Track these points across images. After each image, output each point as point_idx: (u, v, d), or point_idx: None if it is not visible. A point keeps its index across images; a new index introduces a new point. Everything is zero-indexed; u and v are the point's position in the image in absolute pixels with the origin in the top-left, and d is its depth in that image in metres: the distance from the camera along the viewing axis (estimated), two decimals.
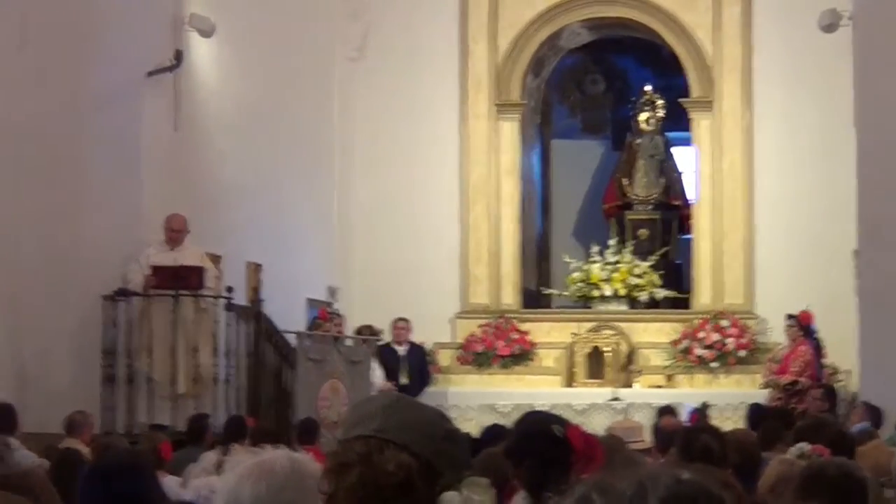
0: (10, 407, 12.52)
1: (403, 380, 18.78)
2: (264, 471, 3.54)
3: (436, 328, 20.86)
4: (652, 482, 1.89)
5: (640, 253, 21.71)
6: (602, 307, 21.22)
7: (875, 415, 14.60)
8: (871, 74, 16.44)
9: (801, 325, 17.90)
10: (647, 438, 11.99)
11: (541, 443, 5.11)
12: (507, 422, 12.06)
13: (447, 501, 2.82)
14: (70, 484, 6.52)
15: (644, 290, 21.30)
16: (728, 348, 20.34)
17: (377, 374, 17.93)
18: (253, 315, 16.40)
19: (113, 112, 16.10)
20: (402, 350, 19.19)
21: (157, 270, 15.54)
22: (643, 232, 22.29)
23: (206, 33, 17.08)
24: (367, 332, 18.23)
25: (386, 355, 18.57)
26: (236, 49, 18.20)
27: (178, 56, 16.70)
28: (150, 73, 16.47)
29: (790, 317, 18.12)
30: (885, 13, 16.19)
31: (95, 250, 15.60)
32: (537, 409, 13.46)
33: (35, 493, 6.47)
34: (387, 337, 19.08)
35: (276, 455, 3.83)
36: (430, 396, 19.31)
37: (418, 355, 19.52)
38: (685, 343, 20.53)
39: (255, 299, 16.92)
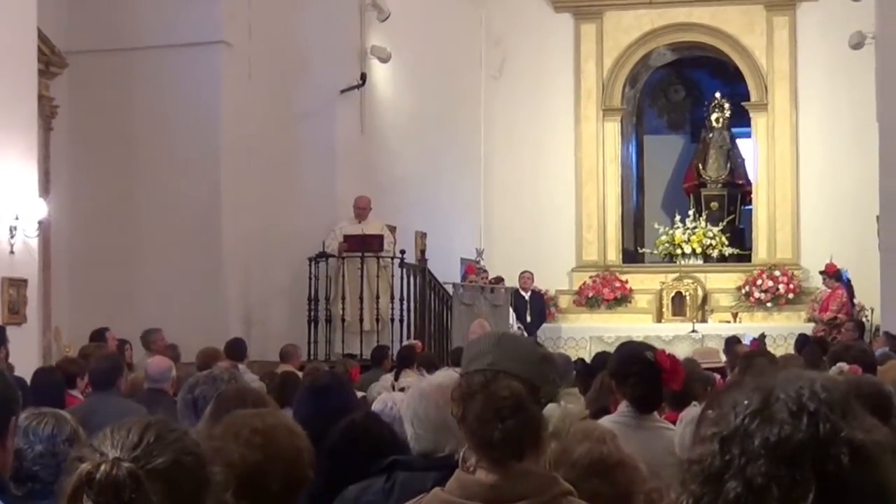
0: (242, 341, 12.69)
1: (528, 318, 18.75)
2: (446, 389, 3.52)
3: (557, 279, 20.86)
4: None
5: (712, 220, 21.44)
6: (683, 262, 20.97)
7: (893, 341, 14.25)
8: (888, 80, 16.10)
9: (830, 274, 17.96)
10: (723, 359, 11.86)
11: (637, 365, 5.05)
12: (611, 349, 11.94)
13: (550, 412, 2.78)
14: (288, 397, 6.58)
15: (715, 248, 21.06)
16: (780, 292, 20.11)
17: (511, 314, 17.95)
18: (420, 271, 16.43)
19: (314, 121, 16.23)
20: (526, 296, 19.12)
21: (348, 238, 15.63)
22: (714, 204, 22.01)
23: (384, 60, 17.12)
24: (495, 281, 18.22)
25: (515, 300, 18.53)
26: (406, 71, 18.22)
27: (363, 78, 16.78)
28: (342, 91, 16.56)
29: (821, 272, 18.25)
30: None
31: (302, 224, 15.75)
32: (632, 340, 13.36)
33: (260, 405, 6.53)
34: (509, 285, 18.94)
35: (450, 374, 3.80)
36: (548, 331, 19.32)
37: (538, 300, 19.39)
38: (747, 288, 20.30)
39: (422, 259, 16.95)
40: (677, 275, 20.62)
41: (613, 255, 21.42)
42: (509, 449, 2.72)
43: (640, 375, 5.03)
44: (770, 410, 1.67)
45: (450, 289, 16.80)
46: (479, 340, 2.94)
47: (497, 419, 2.72)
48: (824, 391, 1.70)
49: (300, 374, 10.84)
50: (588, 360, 12.14)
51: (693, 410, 5.15)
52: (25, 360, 10.49)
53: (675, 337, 18.64)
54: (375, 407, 5.58)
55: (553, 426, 2.77)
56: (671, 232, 21.23)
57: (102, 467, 1.98)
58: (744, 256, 21.29)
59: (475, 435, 2.75)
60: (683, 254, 21.02)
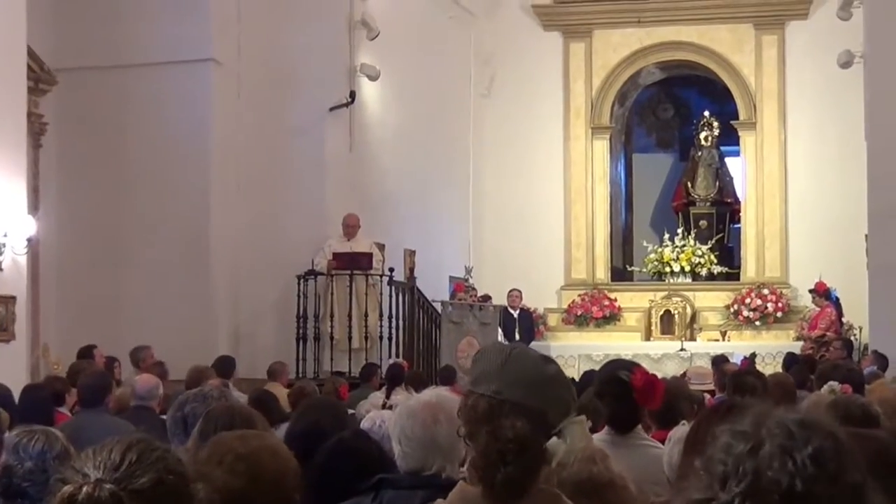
0: (230, 358, 12.67)
1: (517, 337, 18.71)
2: (442, 407, 3.50)
3: (545, 297, 20.84)
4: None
5: (701, 239, 21.47)
6: (672, 280, 20.99)
7: (881, 360, 14.29)
8: (877, 99, 16.14)
9: (819, 293, 17.97)
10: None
11: (613, 386, 5.07)
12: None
13: (553, 448, 2.71)
14: (267, 417, 6.50)
15: (704, 266, 21.05)
16: (768, 311, 20.09)
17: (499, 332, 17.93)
18: (409, 289, 16.41)
19: (304, 139, 16.22)
20: (515, 314, 19.10)
21: (337, 256, 15.61)
22: (703, 223, 22.05)
23: (373, 78, 17.11)
24: (483, 299, 18.20)
25: (504, 318, 18.51)
26: (396, 89, 18.21)
27: (352, 95, 16.76)
28: (331, 109, 16.54)
29: (810, 291, 18.23)
30: (887, 52, 15.89)
31: (291, 242, 15.72)
32: (620, 358, 13.31)
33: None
34: (498, 303, 18.89)
35: (446, 395, 3.74)
36: (536, 349, 19.27)
37: (527, 318, 19.36)
38: (735, 307, 20.28)
39: (411, 277, 16.91)
40: (666, 293, 20.60)
41: (602, 273, 21.41)
42: (510, 492, 2.67)
43: (613, 395, 5.07)
44: (760, 484, 1.67)
45: (438, 307, 16.78)
46: (488, 356, 2.86)
47: (500, 462, 2.66)
48: (815, 462, 1.68)
49: (285, 390, 10.83)
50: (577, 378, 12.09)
51: (681, 429, 5.12)
52: (14, 378, 10.44)
53: (663, 355, 18.63)
54: (364, 425, 5.58)
55: (556, 462, 2.72)
56: (660, 250, 21.22)
57: (84, 489, 1.98)
58: (732, 275, 21.28)
59: (478, 471, 2.71)
60: (672, 272, 21.02)
